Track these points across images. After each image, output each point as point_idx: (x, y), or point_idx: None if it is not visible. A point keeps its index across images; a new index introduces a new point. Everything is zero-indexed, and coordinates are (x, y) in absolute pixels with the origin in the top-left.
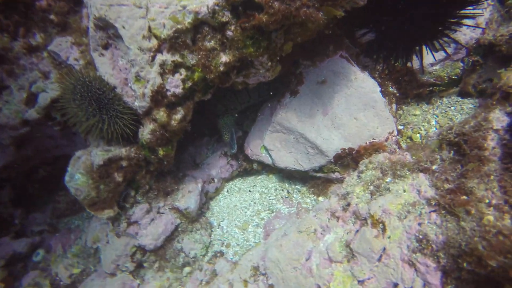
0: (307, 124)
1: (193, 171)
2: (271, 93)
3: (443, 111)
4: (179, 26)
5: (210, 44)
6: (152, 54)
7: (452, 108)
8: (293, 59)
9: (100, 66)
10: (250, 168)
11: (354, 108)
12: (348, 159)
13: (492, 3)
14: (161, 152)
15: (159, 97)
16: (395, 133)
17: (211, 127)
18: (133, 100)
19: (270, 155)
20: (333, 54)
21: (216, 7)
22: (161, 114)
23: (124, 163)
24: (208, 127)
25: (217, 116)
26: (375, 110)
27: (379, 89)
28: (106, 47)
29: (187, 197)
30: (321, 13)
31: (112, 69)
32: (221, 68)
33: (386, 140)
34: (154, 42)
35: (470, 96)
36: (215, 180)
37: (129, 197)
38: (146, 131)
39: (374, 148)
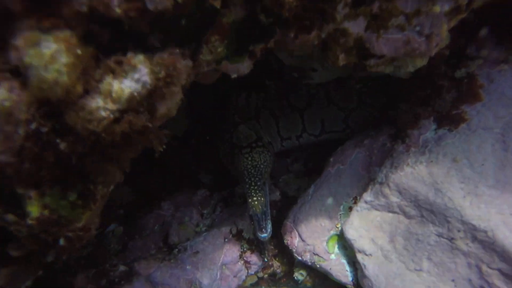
0: (501, 203)
1: (155, 266)
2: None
3: None
4: None
5: None
6: None
7: None
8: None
9: None
10: (284, 274)
11: None
12: None
13: None
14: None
15: None
16: None
17: (217, 170)
18: None
19: (359, 264)
20: None
21: None
22: None
23: None
24: (211, 167)
25: (238, 150)
26: None
27: None
28: None
29: None
30: None
31: None
32: None
33: None
34: None
35: None
36: None
37: None
38: None
39: None
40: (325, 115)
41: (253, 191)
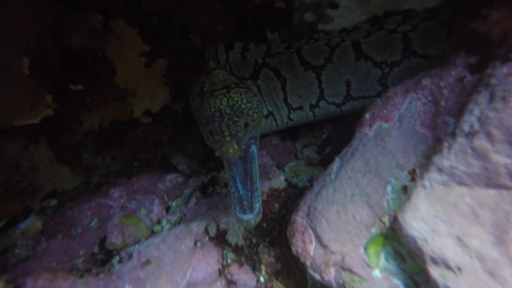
0: None
1: (65, 284)
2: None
3: None
4: None
5: None
6: None
7: None
8: None
9: None
10: None
11: None
12: None
13: None
14: None
15: None
16: None
17: (198, 153)
18: None
19: (436, 285)
20: None
21: None
22: None
23: None
24: (190, 150)
25: (208, 95)
26: None
27: None
28: None
29: None
30: None
31: None
32: None
33: None
34: None
35: None
36: None
37: None
38: None
39: None
40: (352, 74)
41: (224, 126)
